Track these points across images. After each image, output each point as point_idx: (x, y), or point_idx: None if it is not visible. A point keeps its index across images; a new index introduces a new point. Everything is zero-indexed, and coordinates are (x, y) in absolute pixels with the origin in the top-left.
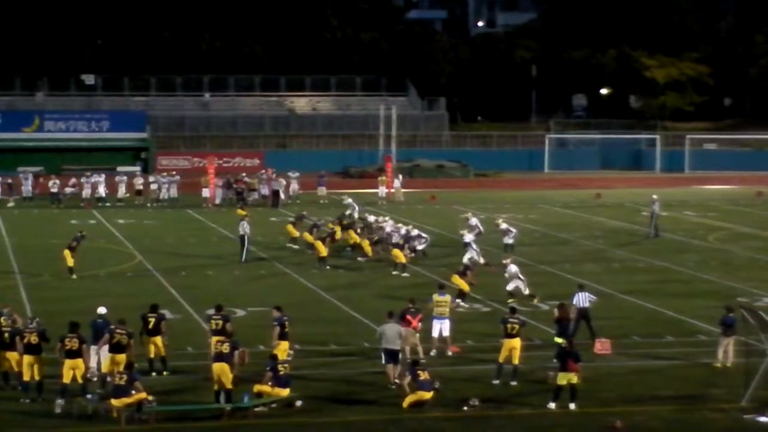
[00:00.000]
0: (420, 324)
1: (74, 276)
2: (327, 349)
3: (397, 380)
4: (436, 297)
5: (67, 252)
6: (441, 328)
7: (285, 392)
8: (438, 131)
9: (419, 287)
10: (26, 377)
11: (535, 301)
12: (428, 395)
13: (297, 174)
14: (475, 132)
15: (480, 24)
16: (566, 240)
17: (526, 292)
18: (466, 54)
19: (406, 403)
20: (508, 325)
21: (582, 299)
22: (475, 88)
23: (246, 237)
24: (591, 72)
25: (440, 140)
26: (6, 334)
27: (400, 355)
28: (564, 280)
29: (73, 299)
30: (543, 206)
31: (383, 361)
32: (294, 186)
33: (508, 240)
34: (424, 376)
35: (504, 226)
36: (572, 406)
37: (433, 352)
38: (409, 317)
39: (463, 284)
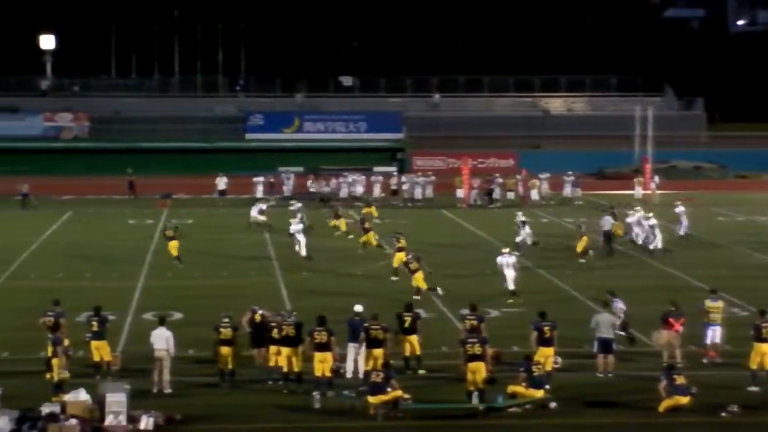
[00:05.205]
0: (682, 327)
1: (181, 264)
2: (581, 351)
3: (608, 373)
4: (708, 303)
5: (172, 243)
6: (713, 334)
7: (539, 393)
8: (695, 132)
9: (678, 291)
10: (285, 369)
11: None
12: (685, 400)
13: (547, 175)
14: (734, 132)
15: (740, 22)
16: None
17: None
18: (725, 53)
19: (662, 408)
20: (764, 330)
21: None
22: (735, 87)
23: (611, 232)
24: None
25: (697, 141)
26: (274, 330)
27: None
28: None
29: (330, 296)
30: None
31: (595, 350)
32: (544, 187)
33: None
34: (680, 380)
35: (679, 209)
36: None
37: (705, 360)
38: (671, 320)
39: None
